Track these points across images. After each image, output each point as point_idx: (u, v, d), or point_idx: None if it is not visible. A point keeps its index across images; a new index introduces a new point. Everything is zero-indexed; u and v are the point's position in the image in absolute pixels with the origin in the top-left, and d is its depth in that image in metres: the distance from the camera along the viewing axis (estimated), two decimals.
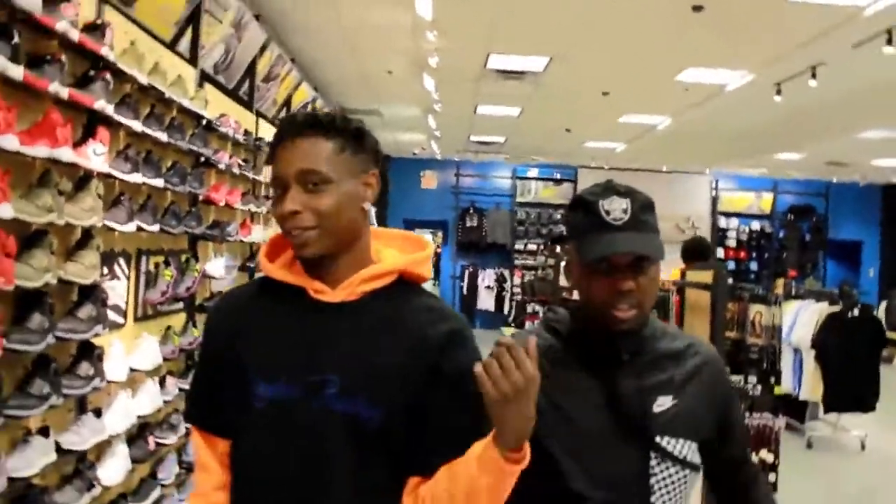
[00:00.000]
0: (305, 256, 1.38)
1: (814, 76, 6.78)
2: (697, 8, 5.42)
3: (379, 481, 1.37)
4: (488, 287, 14.80)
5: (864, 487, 5.94)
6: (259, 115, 6.10)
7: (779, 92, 7.39)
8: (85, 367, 2.89)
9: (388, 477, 1.38)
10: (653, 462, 1.46)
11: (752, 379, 4.31)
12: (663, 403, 1.49)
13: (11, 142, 2.30)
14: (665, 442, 1.47)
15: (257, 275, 1.65)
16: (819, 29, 5.79)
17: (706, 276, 4.42)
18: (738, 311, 4.46)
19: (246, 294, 1.52)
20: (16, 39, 2.28)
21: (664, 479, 1.47)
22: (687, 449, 1.49)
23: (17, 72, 2.30)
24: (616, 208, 1.45)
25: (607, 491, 1.44)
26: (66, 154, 2.59)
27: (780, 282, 10.14)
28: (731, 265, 14.55)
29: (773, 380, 4.33)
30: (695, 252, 5.20)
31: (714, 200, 14.94)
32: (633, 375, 1.49)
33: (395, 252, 1.50)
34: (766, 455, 4.17)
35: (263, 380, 1.37)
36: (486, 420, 1.29)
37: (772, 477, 4.21)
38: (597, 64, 7.28)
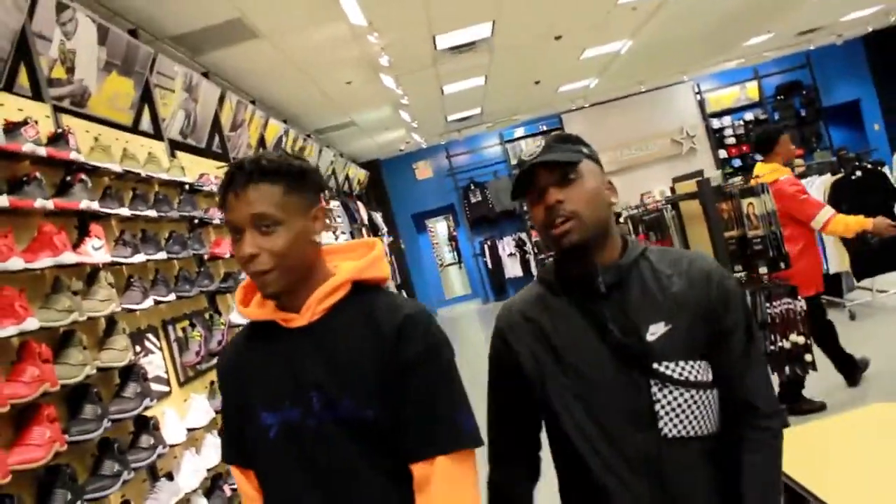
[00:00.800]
0: (269, 295, 1.52)
1: None
2: None
3: (387, 475, 1.50)
4: (511, 254, 14.99)
5: None
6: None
7: None
8: (145, 439, 3.15)
9: (396, 469, 1.51)
10: (654, 389, 1.49)
11: (763, 269, 4.46)
12: (656, 331, 1.50)
13: (17, 262, 2.56)
14: (664, 367, 1.49)
15: None
16: None
17: (691, 186, 4.61)
18: (732, 208, 4.61)
19: (241, 338, 1.67)
20: None
21: (669, 403, 1.49)
22: (690, 369, 1.50)
23: (3, 200, 2.55)
24: (530, 148, 1.58)
25: (616, 425, 1.50)
26: (69, 258, 2.84)
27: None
28: (738, 162, 14.59)
29: (783, 266, 4.44)
30: (763, 144, 5.10)
31: (701, 104, 14.95)
32: (620, 308, 1.52)
33: (349, 263, 1.62)
34: (796, 338, 4.30)
35: (268, 409, 1.53)
36: (456, 396, 1.51)
37: (808, 357, 4.34)
38: (539, 12, 7.40)
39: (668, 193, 7.17)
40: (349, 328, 1.53)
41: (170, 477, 3.35)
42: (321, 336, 1.53)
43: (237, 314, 4.86)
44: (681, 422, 1.50)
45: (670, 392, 1.49)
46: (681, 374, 1.49)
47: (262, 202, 1.48)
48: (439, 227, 25.28)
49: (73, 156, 3.10)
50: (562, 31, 8.30)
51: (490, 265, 15.06)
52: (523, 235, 14.88)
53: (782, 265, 4.48)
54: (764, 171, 4.89)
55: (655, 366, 1.49)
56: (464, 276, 19.44)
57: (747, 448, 1.53)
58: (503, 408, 1.69)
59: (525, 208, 14.86)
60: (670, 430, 1.49)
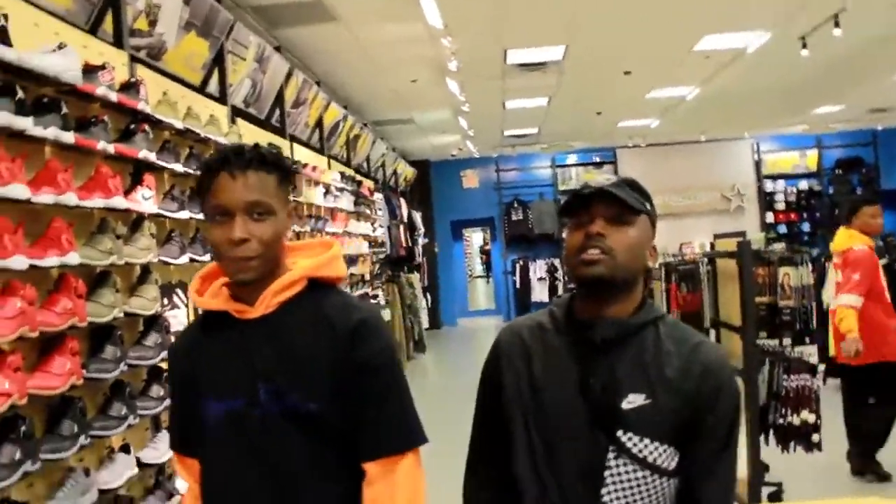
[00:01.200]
0: (243, 280, 1.54)
1: (837, 24, 6.77)
2: None
3: (333, 469, 1.56)
4: (541, 279, 14.97)
5: None
6: (293, 139, 6.46)
7: (804, 45, 7.38)
8: (156, 390, 3.25)
9: (341, 463, 1.56)
10: (610, 455, 1.46)
11: (787, 341, 4.45)
12: (634, 401, 1.47)
13: (71, 198, 2.66)
14: (626, 438, 1.46)
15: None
16: None
17: (732, 244, 4.60)
18: (768, 274, 4.60)
19: (194, 327, 1.74)
20: (64, 110, 2.64)
21: (619, 474, 1.46)
22: (652, 450, 1.46)
23: (70, 137, 2.66)
24: (599, 177, 1.56)
25: (572, 477, 1.49)
26: (119, 202, 2.95)
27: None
28: (783, 229, 14.43)
29: (807, 342, 4.44)
30: (846, 212, 5.22)
31: (758, 164, 14.82)
32: (609, 366, 1.49)
33: (306, 261, 1.65)
34: (807, 416, 4.26)
35: (214, 398, 1.58)
36: (406, 398, 1.59)
37: (815, 437, 4.30)
38: (613, 44, 7.45)
39: (708, 247, 7.14)
40: (302, 323, 1.58)
41: None
42: (274, 329, 1.57)
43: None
44: (625, 497, 1.47)
45: (624, 464, 1.46)
46: (640, 452, 1.46)
47: (260, 190, 1.52)
48: (475, 238, 25.42)
49: (140, 106, 3.21)
50: (632, 66, 8.33)
51: (519, 285, 15.07)
52: (556, 262, 14.86)
53: (807, 340, 4.48)
54: (841, 237, 5.07)
55: (619, 434, 1.46)
56: (490, 291, 19.48)
57: None
58: (485, 425, 1.67)
59: (563, 235, 14.92)
60: (610, 500, 1.47)
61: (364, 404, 1.56)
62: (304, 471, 1.54)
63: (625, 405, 1.46)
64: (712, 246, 5.05)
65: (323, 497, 1.56)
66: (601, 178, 1.56)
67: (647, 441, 1.46)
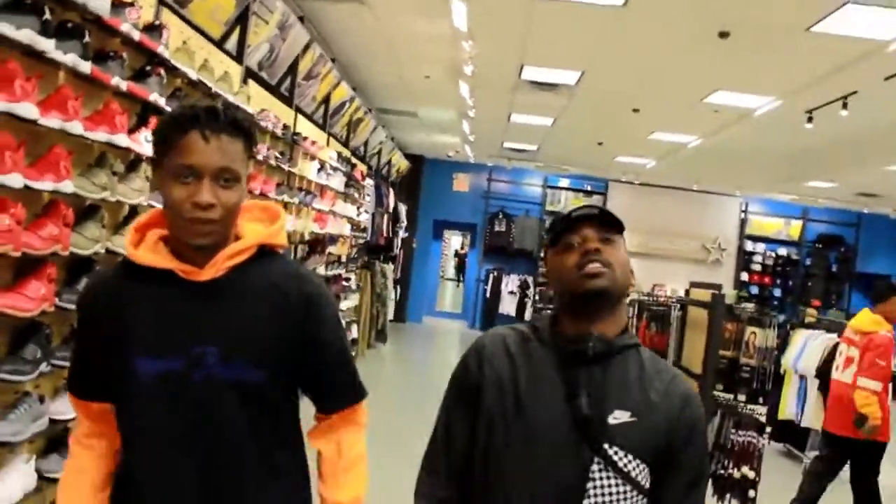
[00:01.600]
0: (201, 245, 1.52)
1: (845, 106, 6.90)
2: (724, 34, 5.66)
3: (268, 435, 1.60)
4: (511, 292, 15.04)
5: None
6: (298, 110, 6.46)
7: (810, 119, 7.52)
8: None
9: (275, 430, 1.62)
10: (594, 467, 1.48)
11: (742, 397, 4.55)
12: (620, 417, 1.50)
13: (77, 127, 2.65)
14: (612, 451, 1.49)
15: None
16: (844, 60, 5.96)
17: (706, 295, 4.68)
18: (735, 330, 4.69)
19: (113, 277, 1.64)
20: (86, 38, 2.64)
21: (601, 486, 1.48)
22: (634, 465, 1.50)
23: (86, 67, 2.66)
24: (580, 208, 1.60)
25: (548, 490, 1.49)
26: (121, 140, 2.94)
27: (809, 311, 10.28)
28: (755, 290, 14.64)
29: (761, 401, 4.53)
30: (879, 294, 5.26)
31: (742, 223, 15.05)
32: (596, 381, 1.52)
33: (256, 226, 1.65)
34: (747, 471, 4.38)
35: (147, 356, 1.53)
36: (350, 358, 1.73)
37: (751, 493, 4.41)
38: (627, 81, 7.53)
39: (681, 293, 7.24)
40: (252, 290, 1.58)
41: None
42: (224, 294, 1.55)
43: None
44: None
45: (608, 477, 1.48)
46: (625, 466, 1.49)
47: (231, 156, 1.50)
48: (453, 241, 25.44)
49: (160, 49, 3.21)
50: (642, 105, 8.41)
51: (489, 294, 15.13)
52: (529, 279, 14.95)
53: (760, 400, 4.57)
54: (865, 319, 5.10)
55: (606, 446, 1.49)
56: (458, 295, 19.53)
57: None
58: (451, 426, 1.65)
59: (542, 255, 15.03)
60: None
61: (319, 372, 1.68)
62: (235, 435, 1.55)
63: (611, 420, 1.50)
64: (687, 292, 5.11)
65: (256, 466, 1.58)
66: (581, 208, 1.62)
67: (630, 457, 1.49)
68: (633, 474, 1.49)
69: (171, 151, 1.49)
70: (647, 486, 1.52)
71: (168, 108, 3.42)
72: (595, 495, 1.48)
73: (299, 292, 1.61)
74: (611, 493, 1.48)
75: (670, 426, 1.52)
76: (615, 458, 1.48)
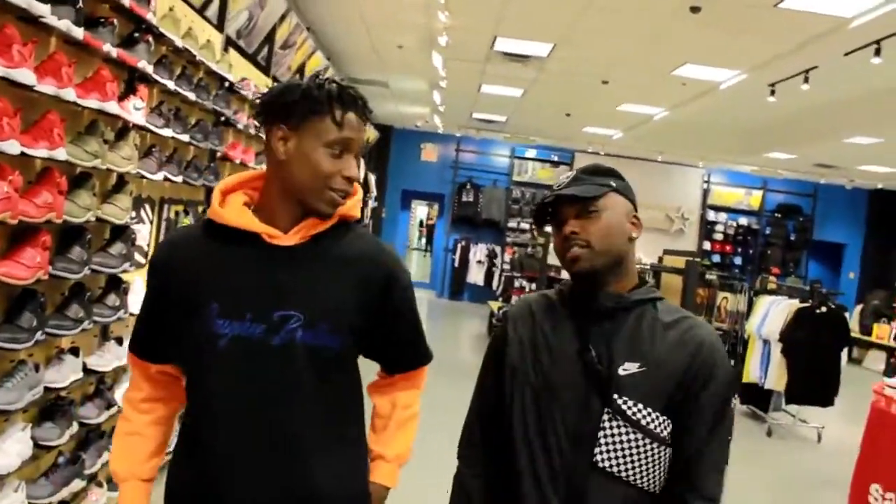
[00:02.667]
0: (327, 214, 1.57)
1: (806, 80, 7.03)
2: (695, 9, 5.71)
3: (337, 402, 1.63)
4: (479, 262, 15.11)
5: (817, 476, 6.20)
6: (275, 80, 6.37)
7: (773, 93, 7.64)
8: (112, 299, 3.22)
9: (344, 397, 1.65)
10: (605, 417, 1.52)
11: None
12: (629, 368, 1.53)
13: (69, 94, 2.61)
14: (622, 402, 1.51)
15: None
16: (807, 36, 6.08)
17: (680, 262, 4.77)
18: (708, 296, 4.79)
19: (193, 237, 1.63)
20: (80, 4, 2.58)
21: (613, 436, 1.52)
22: (646, 415, 1.52)
23: (79, 33, 2.60)
24: (561, 178, 1.63)
25: (564, 440, 1.55)
26: (112, 107, 2.90)
27: (768, 278, 10.51)
28: (717, 258, 14.91)
29: (735, 364, 4.64)
30: None
31: (705, 193, 15.27)
32: (606, 336, 1.56)
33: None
34: None
35: (226, 317, 1.52)
36: (420, 326, 1.78)
37: None
38: (598, 53, 7.55)
39: (646, 261, 7.36)
40: (335, 259, 1.60)
41: (119, 341, 3.40)
42: (307, 260, 1.57)
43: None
44: (616, 458, 1.52)
45: (619, 426, 1.51)
46: (634, 415, 1.51)
47: (364, 135, 1.59)
48: (419, 211, 25.40)
49: (149, 16, 3.15)
50: (611, 77, 8.45)
51: (457, 264, 15.19)
52: (497, 248, 15.02)
53: (732, 361, 4.67)
54: None
55: (615, 397, 1.51)
56: (425, 264, 19.56)
57: None
58: (485, 388, 1.73)
59: (509, 225, 15.13)
60: (603, 461, 1.52)
61: (393, 339, 1.72)
62: (305, 398, 1.55)
63: (620, 371, 1.53)
64: (660, 260, 5.20)
65: (325, 433, 1.59)
66: (560, 179, 1.64)
67: (640, 406, 1.51)
68: (644, 423, 1.51)
69: (322, 122, 1.52)
70: (665, 434, 1.53)
71: (155, 76, 3.38)
72: (606, 444, 1.51)
73: (382, 262, 1.65)
74: (622, 443, 1.51)
75: (684, 373, 1.52)
76: (624, 407, 1.51)
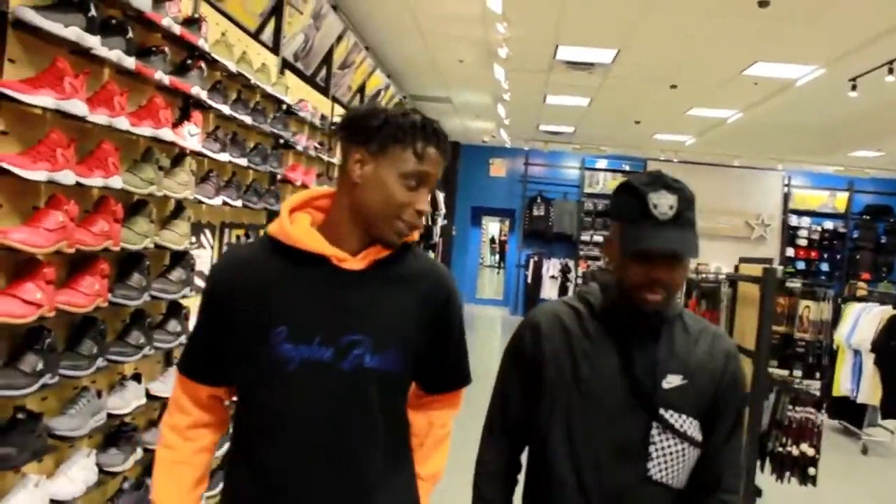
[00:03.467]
0: (393, 244, 1.58)
1: (891, 72, 6.72)
2: (763, 3, 5.52)
3: (398, 419, 1.67)
4: (553, 277, 14.95)
5: None
6: (335, 100, 6.46)
7: (854, 87, 7.33)
8: (173, 325, 3.26)
9: (403, 413, 1.70)
10: (654, 431, 1.60)
11: (797, 372, 4.44)
12: (672, 381, 1.62)
13: (123, 122, 2.67)
14: (669, 415, 1.61)
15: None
16: (890, 23, 5.79)
17: (757, 270, 4.58)
18: (788, 305, 4.59)
19: (255, 255, 1.62)
20: (129, 34, 2.65)
21: (663, 448, 1.61)
22: (688, 424, 1.62)
23: (131, 62, 2.66)
24: (663, 203, 1.54)
25: (610, 455, 1.60)
26: (166, 134, 2.95)
27: (860, 284, 10.05)
28: (801, 265, 14.36)
29: (817, 376, 4.42)
30: None
31: (786, 197, 14.73)
32: (649, 352, 1.63)
33: None
34: (806, 448, 4.28)
35: (294, 341, 1.52)
36: (467, 352, 1.78)
37: (811, 471, 4.31)
38: (664, 57, 7.41)
39: (726, 270, 7.12)
40: (398, 282, 1.61)
41: None
42: (373, 284, 1.58)
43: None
44: (667, 468, 1.61)
45: (668, 438, 1.61)
46: (681, 427, 1.62)
47: (441, 171, 1.61)
48: (491, 228, 25.36)
49: (200, 42, 3.21)
50: (679, 81, 8.27)
51: (530, 280, 15.06)
52: (571, 263, 14.84)
53: (817, 375, 4.46)
54: None
55: (662, 411, 1.60)
56: (499, 281, 19.48)
57: None
58: (508, 396, 1.77)
59: (582, 238, 14.93)
60: (656, 473, 1.61)
61: (442, 361, 1.73)
62: (368, 421, 1.56)
63: (664, 385, 1.61)
64: (736, 268, 5.01)
65: (386, 456, 1.60)
66: (663, 205, 1.55)
67: (684, 416, 1.62)
68: (688, 432, 1.62)
69: (404, 152, 1.53)
70: (700, 437, 1.65)
71: (210, 102, 3.44)
72: (657, 457, 1.61)
73: (440, 285, 1.67)
74: (671, 453, 1.61)
75: (717, 382, 1.66)
76: (671, 420, 1.61)
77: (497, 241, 27.32)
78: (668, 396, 1.61)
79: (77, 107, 2.36)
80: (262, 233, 4.50)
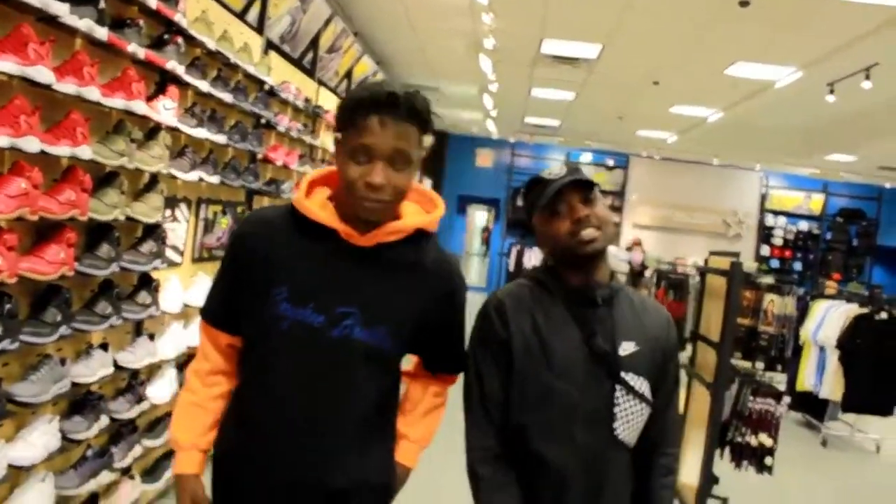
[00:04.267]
0: (368, 220, 1.58)
1: (867, 77, 6.70)
2: (744, 3, 5.47)
3: (383, 393, 1.70)
4: (534, 266, 14.90)
5: (875, 489, 5.92)
6: (321, 83, 6.39)
7: (832, 91, 7.30)
8: (143, 296, 3.21)
9: (391, 389, 1.74)
10: (618, 394, 1.68)
11: (760, 364, 4.44)
12: (627, 348, 1.71)
13: (94, 93, 2.61)
14: (630, 378, 1.69)
15: None
16: (868, 28, 5.75)
17: (725, 263, 4.56)
18: (754, 299, 4.57)
19: (277, 219, 1.66)
20: (101, 5, 2.58)
21: (626, 409, 1.69)
22: (644, 386, 1.72)
23: (102, 33, 2.60)
24: (554, 170, 1.74)
25: (584, 423, 1.66)
26: (139, 107, 2.89)
27: (829, 283, 10.07)
28: (776, 263, 14.41)
29: (779, 369, 4.42)
30: None
31: (763, 197, 14.77)
32: (604, 321, 1.71)
33: (415, 208, 1.71)
34: (764, 439, 4.29)
35: (291, 302, 1.58)
36: (464, 343, 1.79)
37: (768, 461, 4.31)
38: (647, 54, 7.36)
39: (700, 264, 7.12)
40: (404, 266, 1.65)
41: (151, 338, 3.41)
42: (378, 263, 1.62)
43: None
44: (630, 427, 1.70)
45: (629, 399, 1.69)
46: (639, 388, 1.70)
47: (406, 140, 1.54)
48: (477, 217, 25.28)
49: (177, 17, 3.14)
50: (662, 78, 8.23)
51: (512, 267, 15.03)
52: None
53: (779, 367, 4.46)
54: None
55: (623, 374, 1.68)
56: (483, 269, 19.46)
57: (658, 472, 1.79)
58: (485, 380, 1.75)
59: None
60: (621, 433, 1.69)
61: (442, 348, 1.80)
62: (358, 396, 1.62)
63: (621, 351, 1.70)
64: (706, 262, 5.00)
65: (366, 425, 1.65)
66: (555, 171, 1.73)
67: (641, 379, 1.71)
68: (645, 394, 1.71)
69: (351, 131, 1.54)
70: (651, 398, 1.74)
71: (187, 78, 3.38)
72: (622, 417, 1.69)
73: (447, 278, 1.72)
74: (633, 413, 1.70)
75: (663, 347, 1.77)
76: (631, 382, 1.69)
77: (486, 230, 27.29)
78: (625, 361, 1.70)
79: (42, 74, 2.30)
80: (239, 209, 4.46)
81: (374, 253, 1.61)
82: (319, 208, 1.62)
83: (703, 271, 5.02)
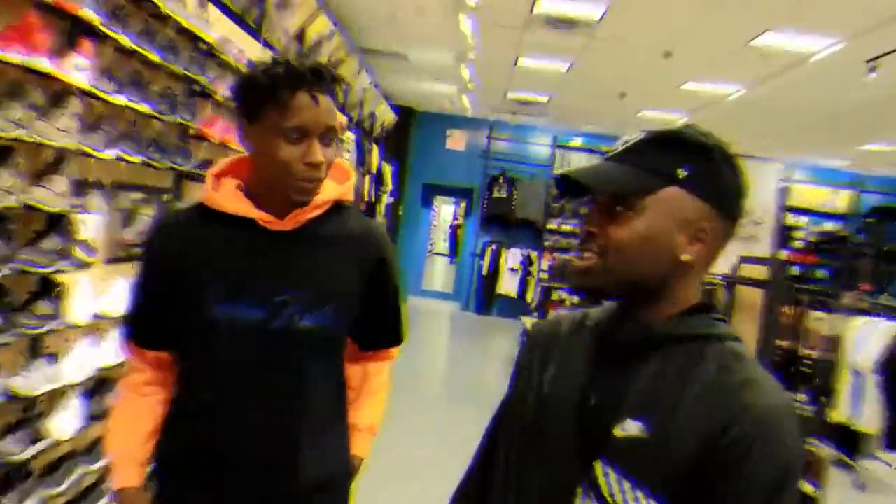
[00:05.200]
0: (304, 201, 1.77)
1: None
2: None
3: (332, 381, 1.92)
4: (512, 269, 14.85)
5: None
6: (267, 45, 6.15)
7: (872, 69, 7.31)
8: (43, 305, 3.02)
9: (339, 371, 1.95)
10: (580, 490, 1.25)
11: (803, 397, 4.34)
12: (628, 429, 1.22)
13: None
14: (602, 472, 1.23)
15: None
16: None
17: (760, 272, 4.45)
18: (794, 316, 4.47)
19: (187, 220, 1.87)
20: None
21: None
22: (630, 497, 1.20)
23: None
24: (619, 142, 1.34)
25: (547, 487, 1.31)
26: (43, 63, 2.70)
27: (849, 295, 10.11)
28: (797, 269, 14.48)
29: (824, 400, 4.32)
30: None
31: (782, 192, 14.84)
32: (616, 380, 1.28)
33: (329, 181, 1.85)
34: (806, 487, 4.19)
35: (225, 301, 1.77)
36: (402, 317, 2.08)
37: None
38: (661, 19, 7.28)
39: (717, 271, 7.04)
40: (331, 241, 1.86)
41: (53, 358, 3.18)
42: (303, 243, 1.82)
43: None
44: None
45: None
46: (612, 495, 1.22)
47: (334, 115, 1.75)
48: (444, 210, 25.20)
49: None
50: (675, 48, 8.15)
51: (486, 271, 14.93)
52: (535, 253, 14.74)
53: (823, 399, 4.37)
54: None
55: (599, 466, 1.23)
56: (450, 273, 19.34)
57: None
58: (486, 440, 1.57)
59: (548, 225, 14.84)
60: None
61: (376, 319, 2.01)
62: (303, 378, 1.83)
63: (617, 431, 1.23)
64: (735, 269, 4.90)
65: (320, 411, 1.87)
66: (627, 137, 1.34)
67: (627, 485, 1.20)
68: None
69: (274, 110, 1.69)
70: None
71: (105, 30, 3.16)
72: None
73: (375, 245, 1.94)
74: None
75: (706, 449, 1.16)
76: (601, 480, 1.22)
77: (453, 227, 27.21)
78: (617, 447, 1.22)
79: None
80: (165, 197, 4.23)
81: (298, 234, 1.80)
82: (232, 200, 1.80)
83: (734, 281, 4.91)
